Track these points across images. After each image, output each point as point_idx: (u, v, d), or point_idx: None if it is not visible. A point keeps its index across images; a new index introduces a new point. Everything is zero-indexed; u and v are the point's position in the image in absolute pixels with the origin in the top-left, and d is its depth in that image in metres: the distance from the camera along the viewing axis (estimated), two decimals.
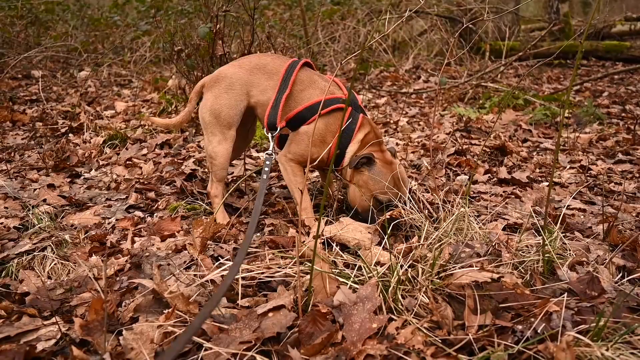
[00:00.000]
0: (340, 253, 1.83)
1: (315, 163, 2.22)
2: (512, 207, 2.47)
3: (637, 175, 3.25)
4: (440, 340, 1.36)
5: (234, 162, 3.23)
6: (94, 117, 4.64)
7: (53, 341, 1.43)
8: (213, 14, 3.75)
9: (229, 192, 2.43)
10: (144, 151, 3.64)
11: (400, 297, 1.53)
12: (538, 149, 3.99)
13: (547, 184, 2.99)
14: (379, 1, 9.13)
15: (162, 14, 6.00)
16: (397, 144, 3.92)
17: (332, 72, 7.28)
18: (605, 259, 1.82)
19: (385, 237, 1.77)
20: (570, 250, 1.87)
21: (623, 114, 5.29)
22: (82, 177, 3.13)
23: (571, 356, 1.18)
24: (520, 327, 1.38)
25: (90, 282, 1.75)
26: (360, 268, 1.68)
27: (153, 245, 2.05)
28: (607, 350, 1.24)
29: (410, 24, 10.07)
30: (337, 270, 1.68)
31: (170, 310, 1.49)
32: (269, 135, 2.39)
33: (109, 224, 2.37)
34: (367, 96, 6.19)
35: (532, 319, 1.40)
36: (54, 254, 1.96)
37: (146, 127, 4.27)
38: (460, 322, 1.44)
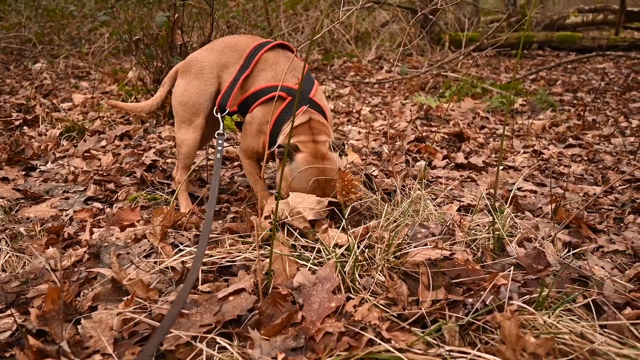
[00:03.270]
0: (300, 237, 1.86)
1: (254, 154, 2.21)
2: (467, 190, 2.56)
3: (586, 158, 3.41)
4: (395, 316, 1.41)
5: (197, 151, 3.19)
6: (50, 109, 4.50)
7: (8, 333, 1.41)
8: (171, 3, 3.69)
9: (184, 180, 2.41)
10: (103, 143, 3.57)
11: (357, 276, 1.57)
12: (494, 135, 4.13)
13: (500, 167, 3.10)
14: None
15: (121, 4, 5.85)
16: (359, 132, 3.97)
17: None
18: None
19: (344, 220, 1.81)
20: (520, 228, 1.96)
21: (574, 101, 5.53)
22: (38, 170, 3.05)
23: (515, 324, 1.25)
24: (470, 300, 1.44)
25: (47, 274, 1.72)
26: (319, 250, 1.72)
27: (112, 235, 2.03)
28: (549, 317, 1.32)
29: (373, 15, 10.14)
30: (297, 253, 1.72)
31: (129, 297, 1.49)
32: (218, 115, 2.28)
33: (66, 215, 2.32)
34: (330, 86, 6.23)
35: (482, 293, 1.46)
36: (8, 246, 1.91)
37: (105, 118, 4.17)
38: (414, 298, 1.50)
